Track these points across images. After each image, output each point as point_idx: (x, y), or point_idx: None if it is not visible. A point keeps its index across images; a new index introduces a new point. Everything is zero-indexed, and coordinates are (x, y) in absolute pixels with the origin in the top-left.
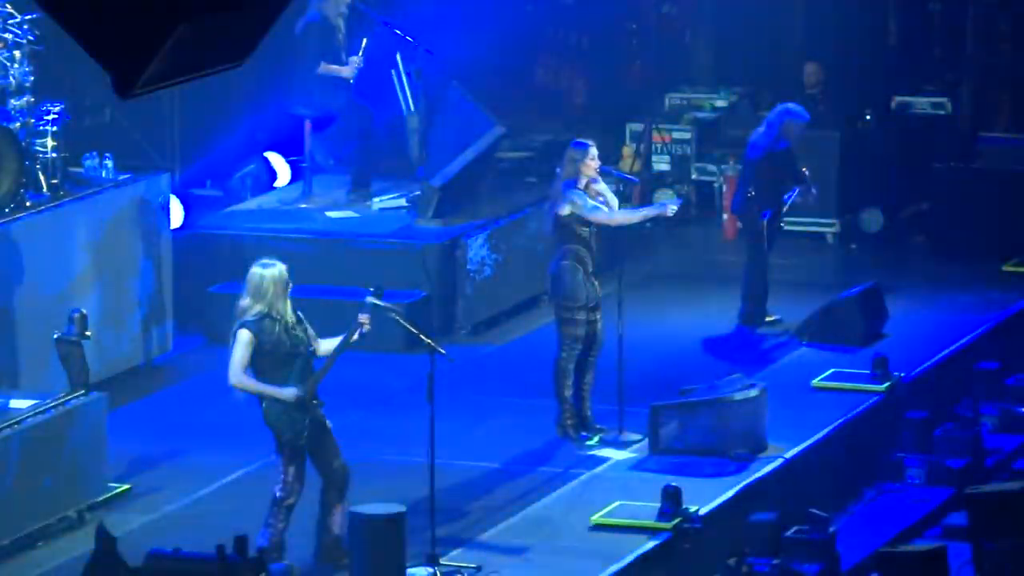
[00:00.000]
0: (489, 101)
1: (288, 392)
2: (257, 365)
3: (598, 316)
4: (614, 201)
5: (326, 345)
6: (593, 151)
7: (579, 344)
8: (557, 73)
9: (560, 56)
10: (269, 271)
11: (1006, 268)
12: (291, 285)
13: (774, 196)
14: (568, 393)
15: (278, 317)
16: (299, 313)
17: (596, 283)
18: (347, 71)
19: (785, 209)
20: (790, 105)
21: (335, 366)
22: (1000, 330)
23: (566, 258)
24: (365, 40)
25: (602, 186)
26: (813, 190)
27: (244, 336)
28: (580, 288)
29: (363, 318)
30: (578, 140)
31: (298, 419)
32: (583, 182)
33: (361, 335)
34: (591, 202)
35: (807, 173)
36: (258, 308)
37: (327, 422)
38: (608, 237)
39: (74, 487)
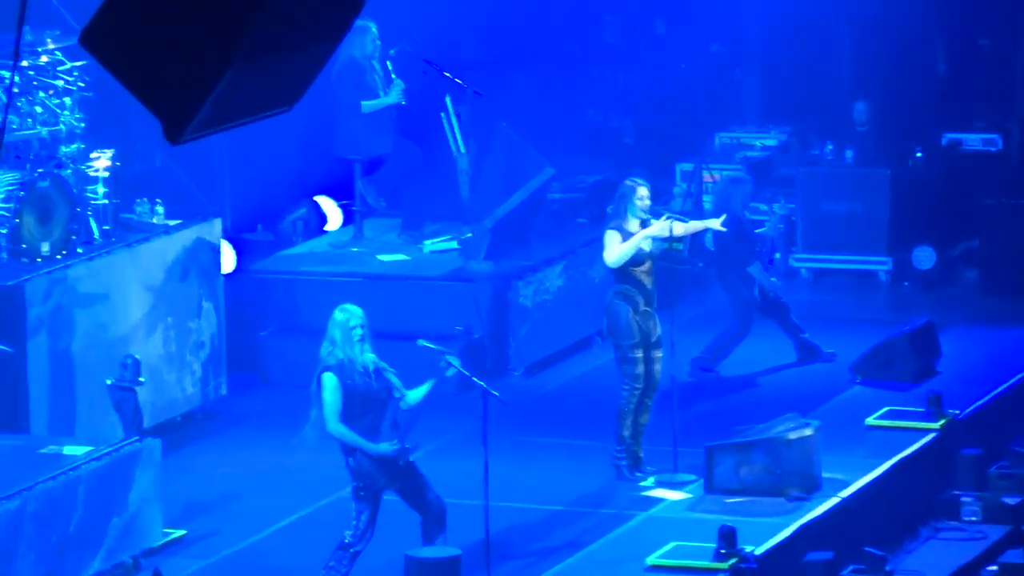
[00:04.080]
0: (538, 142)
1: (382, 448)
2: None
3: (657, 355)
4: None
5: (413, 394)
6: (641, 190)
7: (640, 382)
8: (606, 113)
9: (609, 96)
10: (338, 315)
11: None
12: (362, 330)
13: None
14: (627, 433)
15: (353, 362)
16: (382, 364)
17: (655, 321)
18: (393, 97)
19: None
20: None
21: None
22: None
23: (613, 296)
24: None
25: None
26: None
27: (330, 381)
28: (632, 325)
29: (453, 359)
30: (631, 178)
31: (389, 468)
32: (630, 221)
33: (443, 380)
34: (612, 240)
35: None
36: (335, 352)
37: (411, 460)
38: (662, 277)
39: (130, 533)
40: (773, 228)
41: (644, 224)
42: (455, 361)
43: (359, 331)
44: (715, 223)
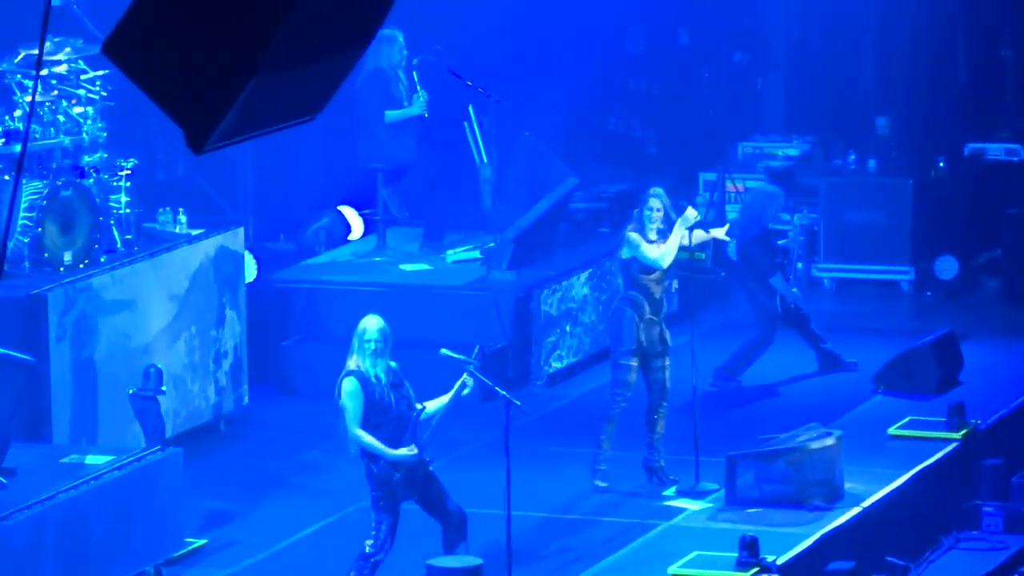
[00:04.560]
0: (561, 151)
1: (401, 454)
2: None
3: (663, 364)
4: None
5: (432, 405)
6: (652, 202)
7: (627, 390)
8: (629, 122)
9: (632, 105)
10: (359, 325)
11: None
12: (375, 343)
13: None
14: (604, 438)
15: (367, 371)
16: (399, 378)
17: (662, 330)
18: (417, 108)
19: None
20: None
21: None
22: None
23: (620, 301)
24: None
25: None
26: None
27: (350, 385)
28: (631, 332)
29: (467, 379)
30: (653, 187)
31: (410, 477)
32: (648, 228)
33: (461, 392)
34: (640, 240)
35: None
36: (354, 359)
37: (430, 469)
38: (684, 287)
39: (152, 542)
40: (795, 238)
41: (661, 232)
42: (470, 382)
43: (371, 344)
44: (719, 232)
